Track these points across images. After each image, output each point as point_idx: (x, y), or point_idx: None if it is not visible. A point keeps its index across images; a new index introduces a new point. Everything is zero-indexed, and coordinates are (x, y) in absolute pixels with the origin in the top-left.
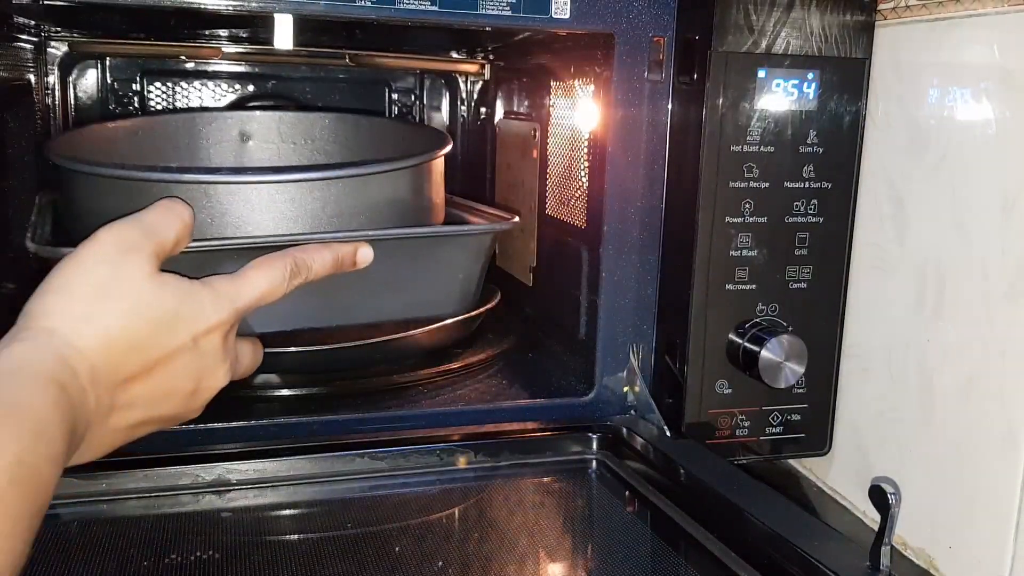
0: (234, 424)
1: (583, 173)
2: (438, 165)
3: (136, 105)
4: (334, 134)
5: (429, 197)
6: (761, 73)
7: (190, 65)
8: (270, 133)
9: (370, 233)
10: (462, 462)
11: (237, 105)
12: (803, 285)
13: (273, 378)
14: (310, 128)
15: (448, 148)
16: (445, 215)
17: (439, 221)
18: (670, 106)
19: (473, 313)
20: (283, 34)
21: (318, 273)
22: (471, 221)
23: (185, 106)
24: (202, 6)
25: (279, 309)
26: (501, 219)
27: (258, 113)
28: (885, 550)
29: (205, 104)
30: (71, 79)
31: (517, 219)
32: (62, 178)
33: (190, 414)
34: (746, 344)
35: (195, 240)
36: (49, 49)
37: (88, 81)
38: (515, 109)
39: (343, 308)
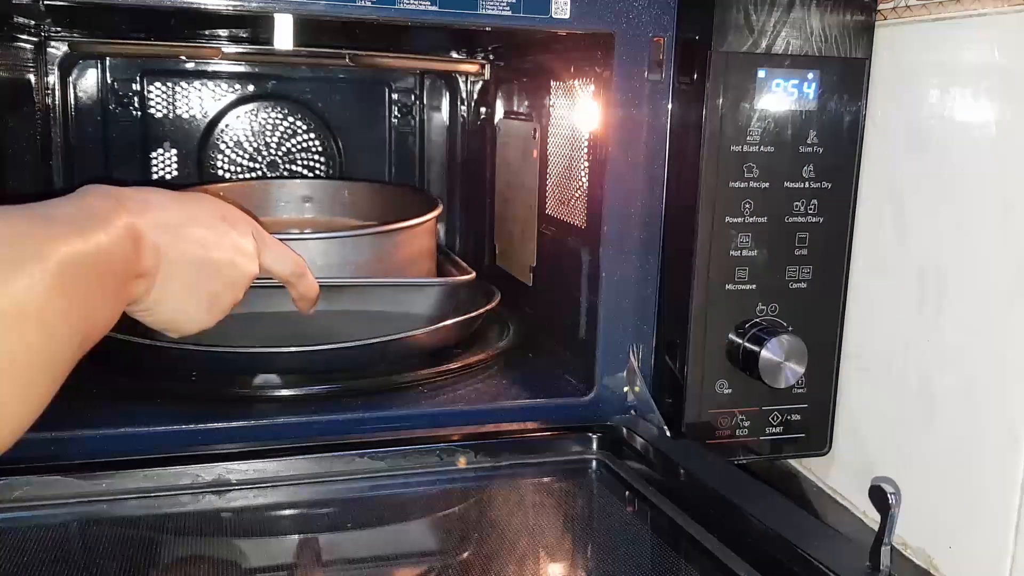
0: (234, 424)
1: (583, 173)
2: (425, 227)
3: (136, 105)
4: (369, 199)
5: (417, 252)
6: (761, 73)
7: (190, 65)
8: (326, 196)
9: (350, 280)
10: (462, 462)
11: (237, 105)
12: (803, 285)
13: (273, 378)
14: (354, 193)
15: (437, 212)
16: (437, 265)
17: (428, 271)
18: (670, 106)
19: (473, 314)
20: (283, 34)
21: (303, 293)
22: (447, 274)
23: (186, 108)
24: (202, 6)
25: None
26: (462, 273)
27: (318, 182)
28: (885, 550)
29: (205, 104)
30: (71, 79)
31: (473, 275)
32: None
33: (234, 285)
34: (746, 344)
35: None
36: (49, 49)
37: (88, 81)
38: (515, 109)
39: (339, 336)
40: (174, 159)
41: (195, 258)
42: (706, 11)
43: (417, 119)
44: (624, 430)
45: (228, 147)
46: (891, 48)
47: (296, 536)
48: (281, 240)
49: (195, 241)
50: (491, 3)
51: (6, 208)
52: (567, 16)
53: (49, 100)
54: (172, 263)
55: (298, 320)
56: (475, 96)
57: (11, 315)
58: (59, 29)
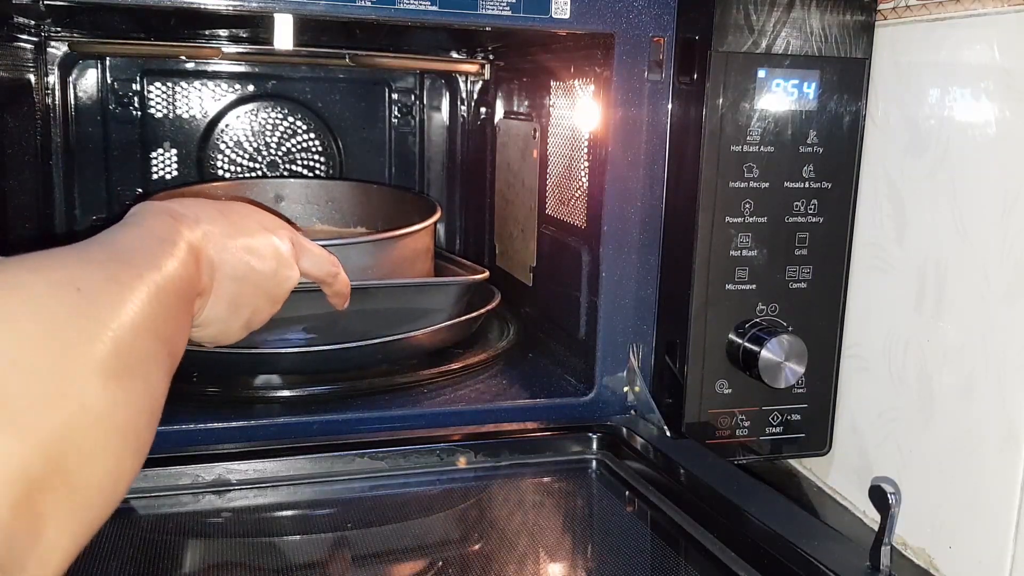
0: (234, 424)
1: (583, 173)
2: (429, 231)
3: (136, 105)
4: (348, 198)
5: (421, 255)
6: (761, 73)
7: (190, 65)
8: (299, 196)
9: (378, 283)
10: (462, 462)
11: (237, 105)
12: (803, 285)
13: (274, 378)
14: (330, 192)
15: (437, 217)
16: (435, 267)
17: (427, 272)
18: (670, 106)
19: (473, 314)
20: (283, 34)
21: (337, 291)
22: (451, 273)
23: (186, 108)
24: (202, 6)
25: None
26: (468, 271)
27: (290, 180)
28: (885, 550)
29: (205, 104)
30: (71, 79)
31: (486, 273)
32: None
33: (275, 298)
34: (746, 344)
35: None
36: (49, 49)
37: (88, 81)
38: (515, 109)
39: (359, 333)
40: (174, 159)
41: (243, 273)
42: (706, 11)
43: (417, 119)
44: (624, 430)
45: (228, 147)
46: (891, 48)
47: (296, 536)
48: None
49: (242, 255)
50: (491, 3)
51: (77, 249)
52: (567, 16)
53: (49, 100)
54: (224, 278)
55: (320, 318)
56: (475, 96)
57: (117, 371)
58: (59, 29)
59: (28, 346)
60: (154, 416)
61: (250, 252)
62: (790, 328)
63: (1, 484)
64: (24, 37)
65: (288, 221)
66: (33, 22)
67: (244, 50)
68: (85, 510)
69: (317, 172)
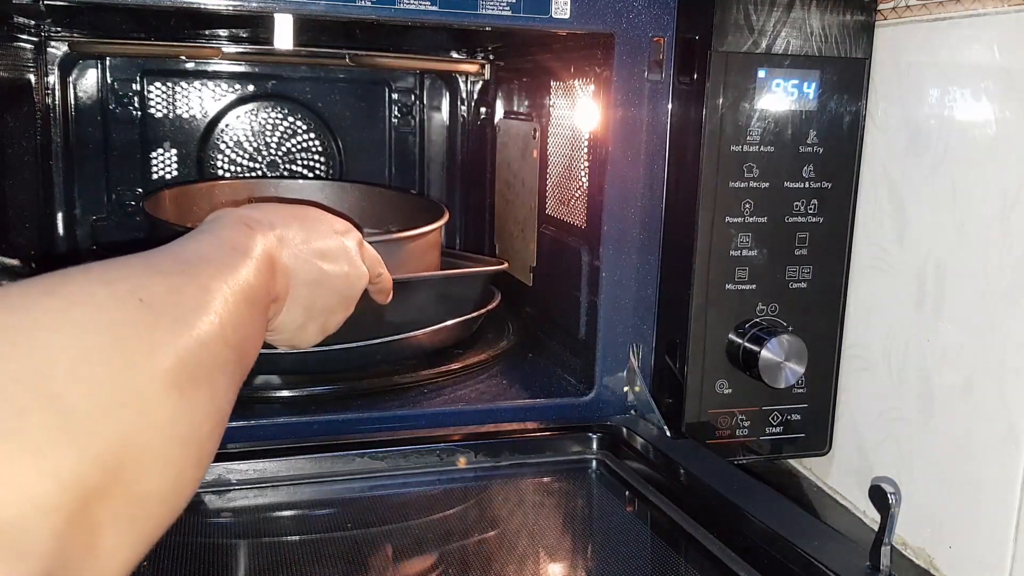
0: (234, 424)
1: (583, 173)
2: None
3: (136, 105)
4: (354, 199)
5: (433, 251)
6: (761, 73)
7: (190, 65)
8: (301, 196)
9: (414, 276)
10: (462, 462)
11: (237, 105)
12: (803, 285)
13: (274, 379)
14: (333, 192)
15: (447, 218)
16: (442, 263)
17: (436, 267)
18: (670, 106)
19: (474, 315)
20: (283, 34)
21: (381, 287)
22: (461, 267)
23: (186, 108)
24: (202, 6)
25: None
26: (495, 264)
27: (294, 181)
28: (885, 550)
29: (205, 104)
30: (71, 79)
31: (505, 264)
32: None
33: (348, 301)
34: (746, 344)
35: None
36: (49, 49)
37: (88, 81)
38: (515, 109)
39: (394, 326)
40: (174, 159)
41: (317, 278)
42: (706, 11)
43: (417, 119)
44: (624, 430)
45: (228, 147)
46: (891, 48)
47: (296, 536)
48: None
49: (316, 260)
50: (491, 3)
51: (144, 258)
52: (567, 16)
53: (49, 100)
54: (299, 284)
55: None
56: (475, 96)
57: (179, 381)
58: (59, 29)
59: (88, 357)
60: (219, 424)
61: (323, 256)
62: (790, 328)
63: (56, 493)
64: (24, 37)
65: (353, 223)
66: (33, 22)
67: (244, 50)
68: (144, 520)
69: (317, 172)
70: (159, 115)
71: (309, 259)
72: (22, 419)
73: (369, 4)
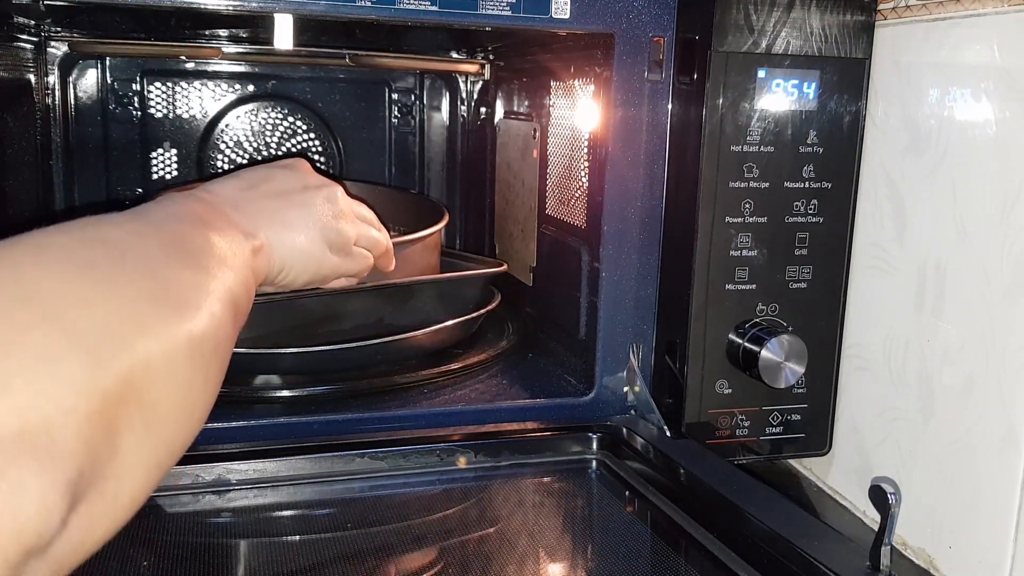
0: (234, 424)
1: (583, 173)
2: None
3: (136, 105)
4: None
5: (434, 252)
6: (761, 73)
7: (190, 65)
8: None
9: (414, 280)
10: (462, 462)
11: (237, 105)
12: (803, 285)
13: (274, 379)
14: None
15: (446, 222)
16: (442, 264)
17: (437, 268)
18: (670, 106)
19: (473, 315)
20: (283, 34)
21: (382, 263)
22: (461, 267)
23: (186, 108)
24: (202, 6)
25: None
26: (495, 265)
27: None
28: (885, 550)
29: (205, 104)
30: (71, 79)
31: (504, 266)
32: None
33: (336, 250)
34: (746, 344)
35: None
36: (49, 49)
37: (88, 81)
38: (515, 109)
39: (394, 327)
40: (174, 159)
41: (279, 206)
42: (706, 11)
43: (417, 119)
44: (624, 430)
45: (228, 147)
46: (891, 48)
47: (296, 536)
48: None
49: (271, 193)
50: (491, 3)
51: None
52: (567, 16)
53: (49, 100)
54: (269, 224)
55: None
56: (475, 96)
57: (181, 302)
58: (59, 29)
59: (80, 278)
60: (219, 348)
61: (277, 189)
62: (790, 328)
63: (74, 396)
64: (24, 37)
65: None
66: (33, 22)
67: (244, 50)
68: (159, 428)
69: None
70: (159, 115)
71: (262, 195)
72: (26, 334)
73: (369, 4)
